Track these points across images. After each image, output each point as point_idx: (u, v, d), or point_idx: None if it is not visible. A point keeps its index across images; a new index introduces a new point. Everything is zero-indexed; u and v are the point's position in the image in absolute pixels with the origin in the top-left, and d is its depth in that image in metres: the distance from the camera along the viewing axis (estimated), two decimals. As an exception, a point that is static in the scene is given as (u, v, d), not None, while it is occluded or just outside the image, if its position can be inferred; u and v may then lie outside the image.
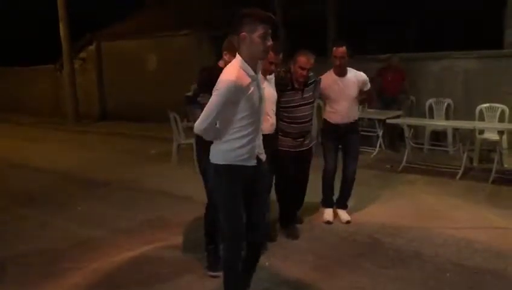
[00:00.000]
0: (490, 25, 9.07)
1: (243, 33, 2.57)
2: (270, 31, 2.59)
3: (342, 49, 4.41)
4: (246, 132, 2.71)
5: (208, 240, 3.74)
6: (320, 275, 3.63)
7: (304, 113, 4.20)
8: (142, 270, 3.77)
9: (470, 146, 6.97)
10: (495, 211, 5.00)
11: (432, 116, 8.31)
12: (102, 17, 15.09)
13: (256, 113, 2.71)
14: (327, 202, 4.82)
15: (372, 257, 3.91)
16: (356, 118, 4.74)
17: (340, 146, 4.71)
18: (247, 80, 2.59)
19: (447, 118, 8.18)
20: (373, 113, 8.15)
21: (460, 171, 6.47)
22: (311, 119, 4.32)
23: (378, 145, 8.13)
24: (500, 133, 6.48)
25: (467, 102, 7.95)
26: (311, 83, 4.26)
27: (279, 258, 3.86)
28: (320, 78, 4.42)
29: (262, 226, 2.99)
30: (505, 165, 6.76)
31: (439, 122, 7.82)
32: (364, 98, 4.82)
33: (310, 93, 4.28)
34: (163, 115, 7.82)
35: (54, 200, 5.84)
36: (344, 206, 4.82)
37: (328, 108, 4.69)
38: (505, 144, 6.82)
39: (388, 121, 7.37)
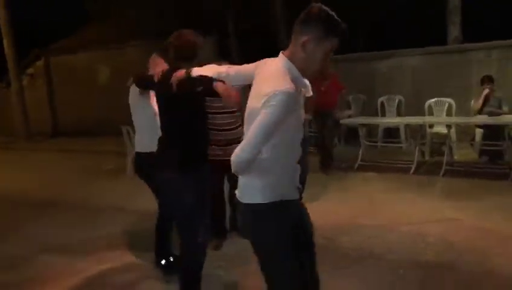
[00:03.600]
0: (434, 22, 9.35)
1: (307, 38, 1.97)
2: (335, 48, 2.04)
3: None
4: (290, 157, 2.12)
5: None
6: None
7: (225, 121, 4.03)
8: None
9: (422, 140, 7.15)
10: (447, 204, 5.11)
11: (384, 114, 8.48)
12: (48, 33, 14.72)
13: (301, 131, 2.13)
14: None
15: (329, 257, 3.88)
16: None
17: None
18: (297, 90, 1.99)
19: (399, 114, 8.36)
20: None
21: (413, 166, 6.61)
22: (237, 126, 4.13)
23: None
24: (448, 126, 6.66)
25: (417, 98, 8.16)
26: None
27: (232, 269, 3.79)
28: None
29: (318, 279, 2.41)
30: (455, 157, 6.97)
31: (391, 120, 7.98)
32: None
33: None
34: (117, 129, 7.64)
35: (1, 223, 5.57)
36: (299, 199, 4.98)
37: None
38: (453, 137, 7.03)
39: (342, 121, 7.45)
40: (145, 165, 3.64)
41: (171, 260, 3.75)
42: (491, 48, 7.82)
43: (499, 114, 6.55)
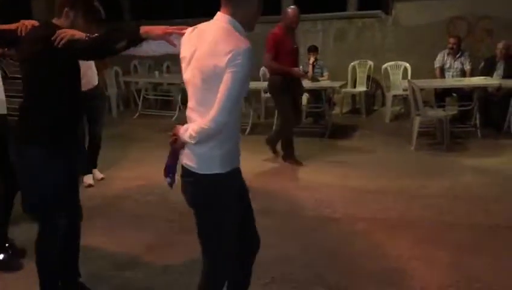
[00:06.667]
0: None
1: None
2: None
3: None
4: (239, 122, 2.07)
5: None
6: (110, 239, 3.76)
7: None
8: None
9: (257, 104, 7.81)
10: (272, 159, 5.78)
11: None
12: None
13: None
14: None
15: (161, 214, 4.22)
16: (96, 84, 4.94)
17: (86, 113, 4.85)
18: None
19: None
20: (169, 78, 8.45)
21: (249, 127, 7.23)
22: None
23: (177, 109, 8.48)
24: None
25: (255, 64, 8.73)
26: None
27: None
28: None
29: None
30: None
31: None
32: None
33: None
34: None
35: None
36: (94, 167, 5.16)
37: None
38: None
39: (183, 85, 7.71)
40: None
41: (10, 252, 3.37)
42: (316, 20, 8.71)
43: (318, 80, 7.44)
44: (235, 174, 2.11)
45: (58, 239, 2.61)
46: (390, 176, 5.00)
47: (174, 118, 8.22)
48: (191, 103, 2.04)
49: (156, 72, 8.63)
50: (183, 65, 2.06)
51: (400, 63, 8.01)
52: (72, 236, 2.75)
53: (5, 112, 3.28)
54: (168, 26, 2.17)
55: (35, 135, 2.48)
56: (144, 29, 2.16)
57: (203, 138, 1.94)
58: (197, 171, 2.04)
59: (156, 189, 4.79)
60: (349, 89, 8.28)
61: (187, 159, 2.08)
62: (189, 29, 2.09)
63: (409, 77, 7.56)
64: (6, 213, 3.39)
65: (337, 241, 3.57)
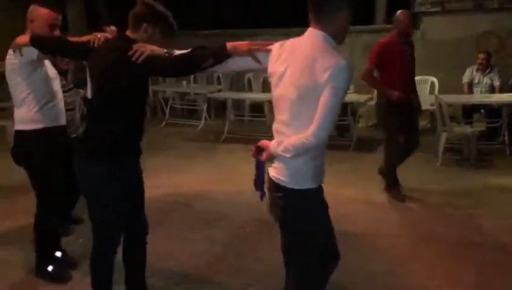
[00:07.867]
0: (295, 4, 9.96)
1: (347, 8, 1.99)
2: None
3: None
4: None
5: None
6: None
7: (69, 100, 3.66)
8: None
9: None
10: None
11: (251, 89, 9.04)
12: None
13: None
14: None
15: (185, 222, 4.29)
16: None
17: None
18: None
19: (264, 90, 8.97)
20: (196, 88, 8.57)
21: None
22: (74, 108, 3.91)
23: (203, 118, 8.60)
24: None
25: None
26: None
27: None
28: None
29: None
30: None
31: (256, 95, 8.55)
32: None
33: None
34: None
35: None
36: None
37: None
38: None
39: (209, 95, 7.85)
40: (27, 146, 3.08)
41: (57, 263, 3.31)
42: (354, 32, 8.72)
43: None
44: (322, 189, 2.11)
45: (111, 254, 2.63)
46: (415, 191, 4.95)
47: (200, 127, 8.35)
48: (283, 117, 2.04)
49: (184, 82, 8.79)
50: (273, 81, 2.08)
51: (426, 77, 7.94)
52: (135, 250, 2.79)
53: (64, 122, 3.26)
54: (252, 42, 2.16)
55: (97, 150, 2.45)
56: (230, 45, 2.15)
57: (301, 152, 1.94)
58: (288, 186, 2.05)
59: (182, 197, 4.90)
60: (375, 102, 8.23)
61: (277, 173, 2.08)
62: (276, 44, 2.11)
63: (436, 92, 7.49)
64: (60, 223, 3.36)
65: (359, 256, 3.56)
